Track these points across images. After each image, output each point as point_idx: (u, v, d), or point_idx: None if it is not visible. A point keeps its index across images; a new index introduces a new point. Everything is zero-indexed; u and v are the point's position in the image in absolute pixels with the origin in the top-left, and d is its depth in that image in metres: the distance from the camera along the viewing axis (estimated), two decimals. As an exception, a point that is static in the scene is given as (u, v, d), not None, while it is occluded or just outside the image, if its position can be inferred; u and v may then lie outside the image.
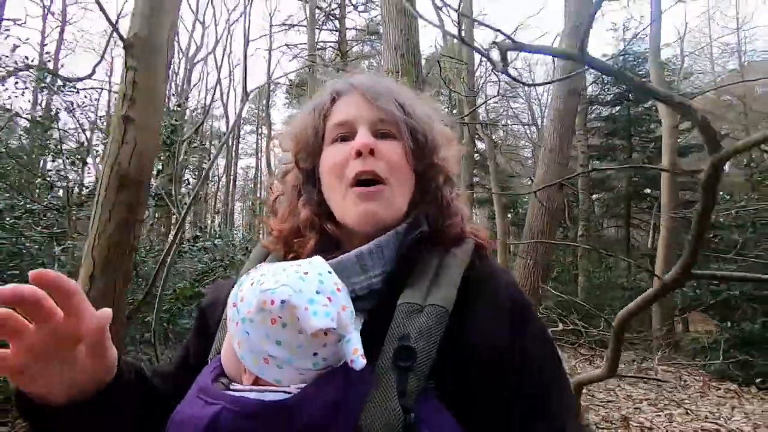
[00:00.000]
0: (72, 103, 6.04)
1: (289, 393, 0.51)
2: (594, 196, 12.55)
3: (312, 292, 0.51)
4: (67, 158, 5.38)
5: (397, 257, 0.65)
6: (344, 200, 0.67)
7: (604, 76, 13.03)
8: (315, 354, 0.52)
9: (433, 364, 0.55)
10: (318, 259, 0.58)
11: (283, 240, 0.73)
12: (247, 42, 16.56)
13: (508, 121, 20.51)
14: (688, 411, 4.53)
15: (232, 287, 0.62)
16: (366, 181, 0.66)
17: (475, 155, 12.95)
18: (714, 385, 5.78)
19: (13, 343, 0.48)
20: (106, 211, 1.67)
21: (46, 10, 14.46)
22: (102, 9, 1.76)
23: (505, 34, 1.35)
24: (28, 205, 4.63)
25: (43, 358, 0.50)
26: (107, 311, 0.52)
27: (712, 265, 6.78)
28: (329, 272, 0.55)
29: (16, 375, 0.50)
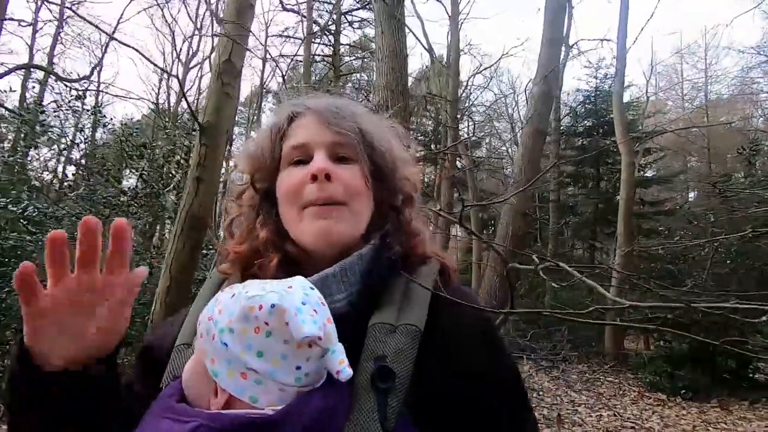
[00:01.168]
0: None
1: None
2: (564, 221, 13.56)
3: (299, 302, 0.50)
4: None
5: (362, 280, 0.64)
6: (300, 222, 0.66)
7: (576, 111, 14.18)
8: (298, 368, 0.51)
9: (409, 385, 0.55)
10: (299, 278, 0.57)
11: (240, 262, 0.71)
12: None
13: (491, 139, 21.63)
14: (616, 414, 5.41)
15: (182, 322, 0.67)
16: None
17: (457, 173, 13.82)
18: (647, 394, 6.70)
19: (52, 283, 0.51)
20: (181, 242, 2.42)
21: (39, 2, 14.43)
22: (188, 103, 2.50)
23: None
24: (53, 211, 5.21)
25: (73, 305, 0.52)
26: (143, 270, 0.57)
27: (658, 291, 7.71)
28: (311, 288, 0.55)
29: (38, 317, 0.51)
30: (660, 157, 14.41)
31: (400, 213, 0.73)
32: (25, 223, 5.07)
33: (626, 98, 12.27)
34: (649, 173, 14.25)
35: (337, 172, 0.66)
